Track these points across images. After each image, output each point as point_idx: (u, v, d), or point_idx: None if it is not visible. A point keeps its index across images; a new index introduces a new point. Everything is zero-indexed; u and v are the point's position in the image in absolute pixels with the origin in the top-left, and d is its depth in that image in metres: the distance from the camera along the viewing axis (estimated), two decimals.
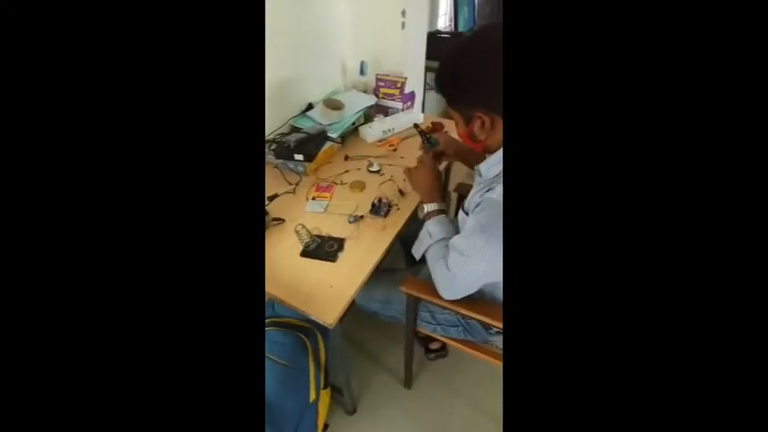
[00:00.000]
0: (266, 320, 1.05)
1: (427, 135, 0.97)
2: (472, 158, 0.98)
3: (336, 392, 1.10)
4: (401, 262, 1.18)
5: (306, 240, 0.85)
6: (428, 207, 0.85)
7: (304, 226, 0.85)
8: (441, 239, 0.79)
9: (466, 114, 0.69)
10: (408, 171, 0.93)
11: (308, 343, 0.99)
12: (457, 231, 0.78)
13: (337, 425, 1.14)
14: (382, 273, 0.90)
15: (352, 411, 1.16)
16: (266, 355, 0.93)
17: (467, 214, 0.74)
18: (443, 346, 1.28)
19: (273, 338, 0.98)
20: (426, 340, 1.28)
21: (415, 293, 0.84)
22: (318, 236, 0.88)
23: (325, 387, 1.03)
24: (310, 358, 0.98)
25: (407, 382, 1.21)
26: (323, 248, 0.86)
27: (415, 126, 1.01)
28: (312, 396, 0.97)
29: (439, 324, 0.94)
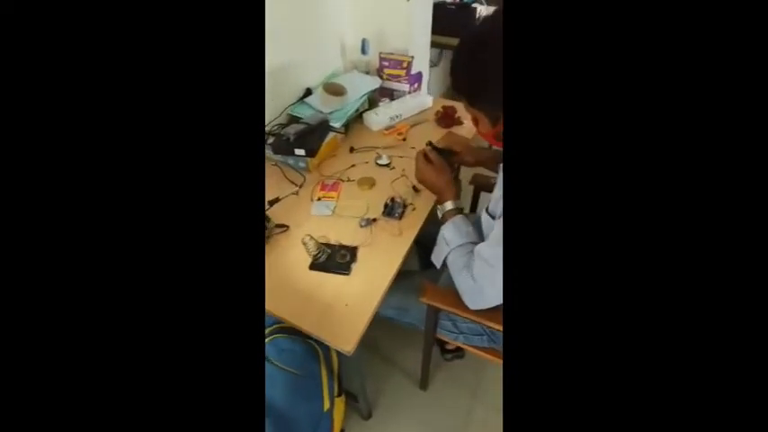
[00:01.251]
0: (273, 327, 0.99)
1: (441, 150, 0.88)
2: (492, 164, 0.93)
3: (351, 398, 1.05)
4: (415, 263, 1.10)
5: (314, 252, 0.76)
6: (441, 208, 0.79)
7: (312, 237, 0.76)
8: (459, 246, 0.72)
9: (493, 114, 0.60)
10: (417, 170, 0.84)
11: (320, 350, 0.94)
12: (479, 233, 0.72)
13: (353, 430, 1.10)
14: (398, 277, 0.83)
15: (368, 416, 1.12)
16: (274, 362, 0.88)
17: (492, 217, 0.67)
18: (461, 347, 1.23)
19: (281, 346, 0.92)
20: (443, 341, 1.22)
21: (437, 305, 0.77)
22: (328, 245, 0.80)
23: (339, 395, 0.98)
24: (322, 365, 0.93)
25: (423, 384, 1.17)
26: (334, 259, 0.77)
27: (429, 144, 0.89)
28: (326, 405, 0.92)
29: (461, 333, 0.89)
